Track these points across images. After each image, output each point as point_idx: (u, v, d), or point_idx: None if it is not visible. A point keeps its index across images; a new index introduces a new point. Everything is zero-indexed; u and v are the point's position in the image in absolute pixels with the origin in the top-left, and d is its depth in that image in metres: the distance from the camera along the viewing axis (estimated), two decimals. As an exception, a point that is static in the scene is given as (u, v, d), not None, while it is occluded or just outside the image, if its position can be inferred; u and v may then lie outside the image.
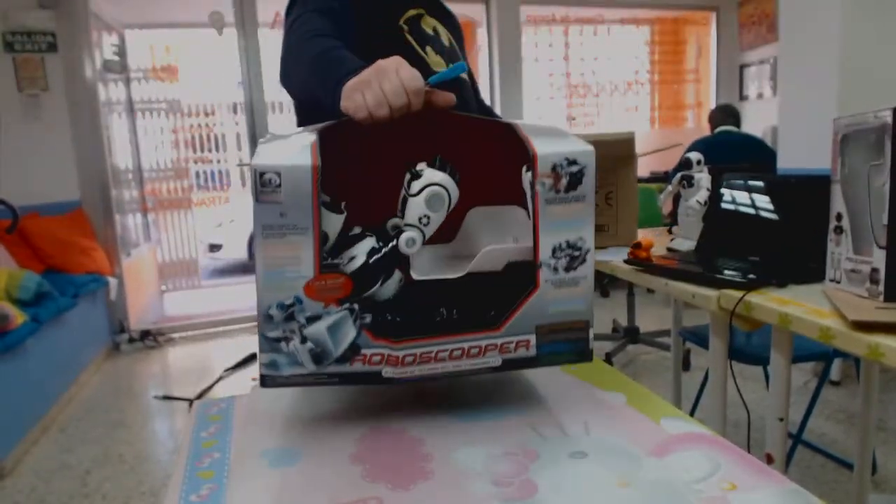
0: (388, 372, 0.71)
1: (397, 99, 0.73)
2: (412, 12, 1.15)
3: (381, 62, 0.76)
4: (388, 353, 0.70)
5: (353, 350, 0.70)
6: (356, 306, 0.69)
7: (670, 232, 1.82)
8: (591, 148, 0.71)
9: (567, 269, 0.73)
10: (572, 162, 0.69)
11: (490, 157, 0.81)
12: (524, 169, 0.75)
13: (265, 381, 0.71)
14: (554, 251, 0.72)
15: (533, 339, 0.74)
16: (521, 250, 0.74)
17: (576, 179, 0.70)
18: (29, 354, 2.62)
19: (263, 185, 0.64)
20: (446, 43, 1.20)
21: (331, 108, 0.80)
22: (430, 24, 1.18)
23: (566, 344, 0.76)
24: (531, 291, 0.72)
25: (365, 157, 0.82)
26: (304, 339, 0.69)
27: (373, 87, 0.73)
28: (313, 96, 0.88)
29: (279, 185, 0.64)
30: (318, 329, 0.68)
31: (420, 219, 0.72)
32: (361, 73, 0.76)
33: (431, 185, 0.72)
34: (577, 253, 0.72)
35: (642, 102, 5.23)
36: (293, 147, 0.69)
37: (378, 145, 0.79)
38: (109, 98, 4.10)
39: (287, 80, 1.01)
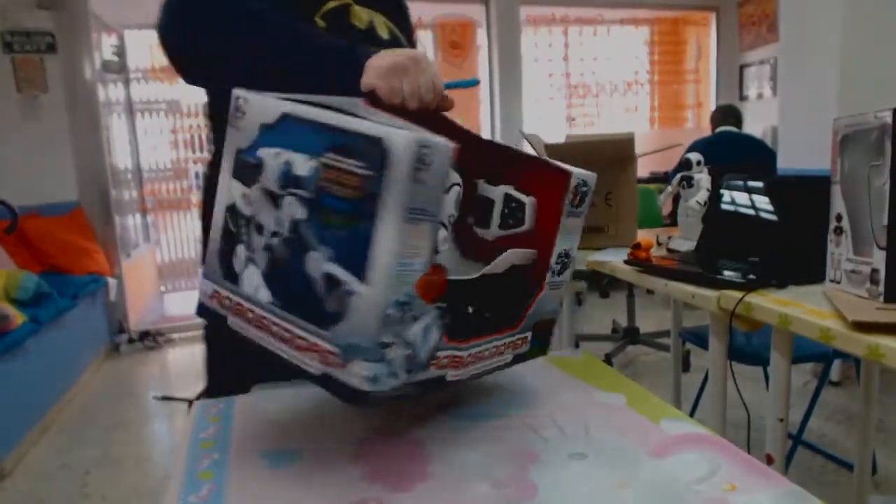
0: (450, 375, 0.67)
1: (428, 94, 0.73)
2: (333, 4, 0.99)
3: (415, 52, 0.75)
4: (454, 355, 0.67)
5: (433, 354, 0.64)
6: (445, 305, 0.63)
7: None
8: (595, 175, 0.79)
9: (559, 273, 0.79)
10: (585, 183, 0.77)
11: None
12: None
13: (368, 399, 0.59)
14: (558, 257, 0.77)
15: (529, 335, 0.79)
16: (527, 254, 0.78)
17: (583, 198, 0.78)
18: (28, 355, 2.62)
19: (420, 160, 0.55)
20: (385, 35, 1.05)
21: (308, 75, 0.75)
22: (361, 17, 1.02)
23: (540, 340, 0.82)
24: (538, 292, 0.77)
25: None
26: (407, 344, 0.60)
27: (411, 77, 0.73)
28: (264, 62, 0.78)
29: (430, 164, 0.56)
30: (416, 331, 0.60)
31: (449, 217, 0.73)
32: (394, 57, 0.74)
33: (455, 184, 0.72)
34: (567, 260, 0.79)
35: (642, 102, 5.23)
36: (399, 124, 0.64)
37: None
38: (109, 98, 4.10)
39: (205, 34, 0.81)
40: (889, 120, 0.94)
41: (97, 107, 3.88)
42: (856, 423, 1.84)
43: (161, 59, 4.36)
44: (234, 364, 0.86)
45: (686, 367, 3.08)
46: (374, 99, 0.74)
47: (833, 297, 1.02)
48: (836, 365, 2.76)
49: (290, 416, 0.81)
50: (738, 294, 1.14)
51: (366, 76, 0.74)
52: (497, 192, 0.81)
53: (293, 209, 0.60)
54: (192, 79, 0.88)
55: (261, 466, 0.68)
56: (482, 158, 0.82)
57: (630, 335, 3.44)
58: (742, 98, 5.14)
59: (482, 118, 4.84)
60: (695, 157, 1.58)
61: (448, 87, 0.78)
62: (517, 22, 4.67)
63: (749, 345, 1.90)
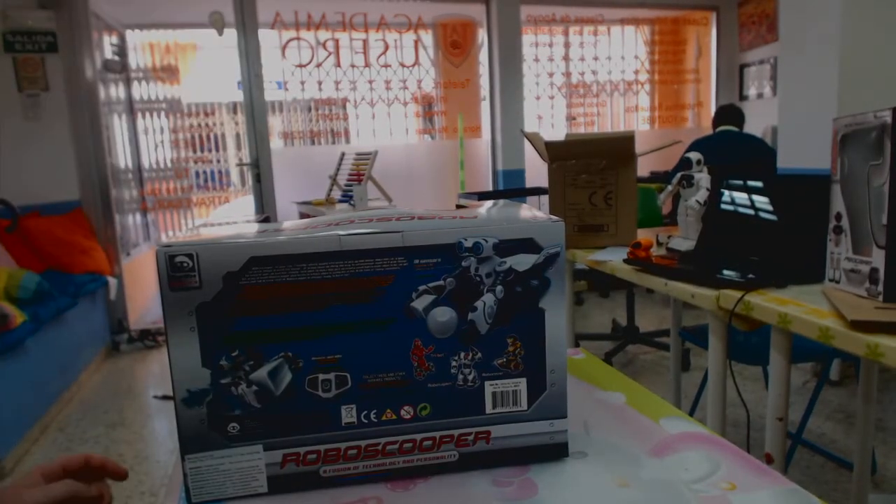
0: None
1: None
2: None
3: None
4: None
5: None
6: None
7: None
8: None
9: None
10: None
11: None
12: None
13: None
14: None
15: None
16: None
17: None
18: (29, 354, 2.62)
19: None
20: None
21: None
22: None
23: None
24: None
25: None
26: None
27: None
28: None
29: None
30: None
31: None
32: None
33: None
34: None
35: (642, 102, 5.23)
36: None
37: None
38: (109, 98, 4.10)
39: None
40: (889, 120, 0.94)
41: (98, 106, 3.88)
42: (855, 422, 1.84)
43: (161, 59, 4.36)
44: None
45: (686, 366, 3.08)
46: None
47: (832, 297, 1.03)
48: (836, 364, 2.76)
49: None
50: (737, 293, 1.14)
51: None
52: None
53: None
54: None
55: (262, 465, 0.68)
56: None
57: (630, 334, 3.44)
58: (742, 98, 5.14)
59: (483, 117, 4.84)
60: (695, 156, 1.58)
61: None
62: (517, 22, 4.66)
63: (749, 344, 1.90)
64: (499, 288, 0.61)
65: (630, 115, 5.20)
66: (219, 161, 4.83)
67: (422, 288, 0.60)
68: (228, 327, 0.58)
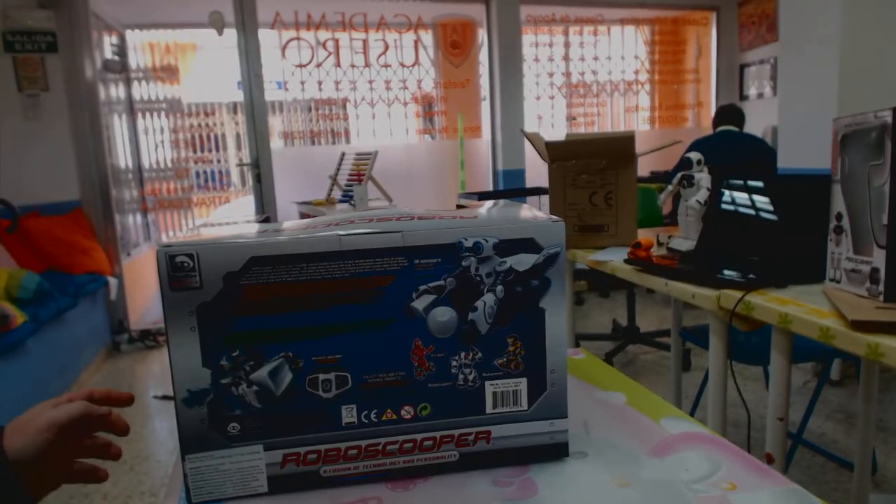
0: None
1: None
2: None
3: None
4: None
5: None
6: None
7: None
8: None
9: None
10: None
11: None
12: None
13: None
14: None
15: None
16: None
17: None
18: (29, 354, 2.62)
19: None
20: None
21: None
22: None
23: None
24: None
25: None
26: None
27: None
28: None
29: None
30: None
31: None
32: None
33: None
34: None
35: (642, 102, 5.23)
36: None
37: None
38: (109, 98, 4.10)
39: None
40: (889, 119, 0.94)
41: (98, 106, 3.88)
42: (856, 422, 1.84)
43: (161, 59, 4.36)
44: None
45: (686, 366, 3.08)
46: None
47: (833, 297, 1.03)
48: (836, 364, 2.76)
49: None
50: (738, 293, 1.14)
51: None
52: None
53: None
54: None
55: (262, 465, 0.68)
56: None
57: (630, 334, 3.44)
58: (742, 98, 5.14)
59: (483, 117, 4.84)
60: (695, 156, 1.58)
61: None
62: (517, 22, 4.66)
63: (749, 344, 1.90)
64: (499, 288, 0.61)
65: (630, 115, 5.20)
66: (219, 161, 4.82)
67: (422, 288, 0.60)
68: (229, 327, 0.58)
